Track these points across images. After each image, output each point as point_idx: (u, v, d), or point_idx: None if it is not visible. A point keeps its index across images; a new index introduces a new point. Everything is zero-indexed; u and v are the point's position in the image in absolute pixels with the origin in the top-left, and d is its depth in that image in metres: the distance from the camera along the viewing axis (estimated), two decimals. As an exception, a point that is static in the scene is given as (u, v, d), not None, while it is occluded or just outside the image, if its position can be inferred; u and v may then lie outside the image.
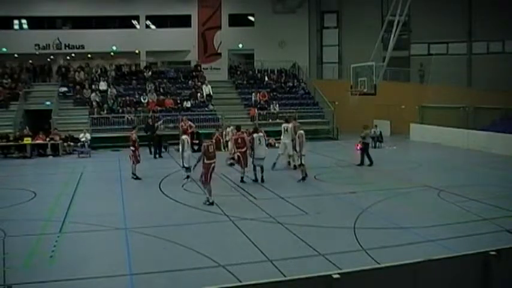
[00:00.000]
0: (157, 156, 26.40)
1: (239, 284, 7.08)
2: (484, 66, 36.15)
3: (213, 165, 15.34)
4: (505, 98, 30.25)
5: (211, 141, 15.94)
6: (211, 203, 14.89)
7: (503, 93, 31.21)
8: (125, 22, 40.64)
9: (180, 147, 19.03)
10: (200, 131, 29.73)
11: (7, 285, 9.04)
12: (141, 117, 31.20)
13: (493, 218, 13.05)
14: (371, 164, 21.98)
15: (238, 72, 40.75)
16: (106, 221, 13.27)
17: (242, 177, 18.66)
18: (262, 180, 18.53)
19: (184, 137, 19.34)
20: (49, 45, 38.79)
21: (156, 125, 28.08)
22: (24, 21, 39.55)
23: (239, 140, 18.77)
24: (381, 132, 29.96)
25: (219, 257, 10.29)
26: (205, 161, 15.17)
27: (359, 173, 21.42)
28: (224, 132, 28.05)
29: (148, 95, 34.25)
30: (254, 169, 18.82)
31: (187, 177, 18.69)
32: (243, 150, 18.54)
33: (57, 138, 27.66)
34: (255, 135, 18.90)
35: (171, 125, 30.40)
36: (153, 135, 27.25)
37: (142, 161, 20.51)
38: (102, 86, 34.91)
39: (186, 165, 18.64)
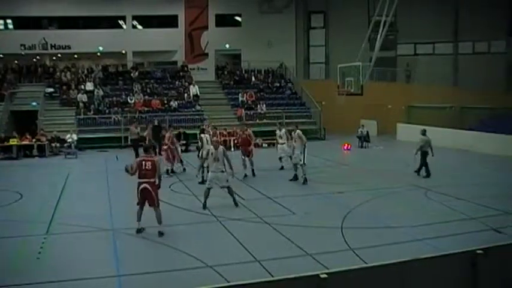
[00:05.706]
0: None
1: (227, 284, 7.06)
2: (470, 66, 36.39)
3: None
4: (492, 97, 30.47)
5: None
6: None
7: (489, 92, 31.45)
8: (111, 22, 40.29)
9: None
10: (187, 132, 29.68)
11: (-7, 287, 8.96)
12: (128, 118, 31.00)
13: (480, 216, 13.14)
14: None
15: (225, 73, 40.66)
16: (93, 222, 13.18)
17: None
18: None
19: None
20: (35, 45, 38.37)
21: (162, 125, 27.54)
22: (9, 21, 39.04)
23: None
24: (367, 132, 30.06)
25: (207, 257, 10.24)
26: None
27: (346, 173, 21.50)
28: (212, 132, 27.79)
29: (135, 95, 34.10)
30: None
31: None
32: None
33: (44, 139, 27.45)
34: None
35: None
36: (159, 137, 25.25)
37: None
38: (89, 86, 34.69)
39: None
